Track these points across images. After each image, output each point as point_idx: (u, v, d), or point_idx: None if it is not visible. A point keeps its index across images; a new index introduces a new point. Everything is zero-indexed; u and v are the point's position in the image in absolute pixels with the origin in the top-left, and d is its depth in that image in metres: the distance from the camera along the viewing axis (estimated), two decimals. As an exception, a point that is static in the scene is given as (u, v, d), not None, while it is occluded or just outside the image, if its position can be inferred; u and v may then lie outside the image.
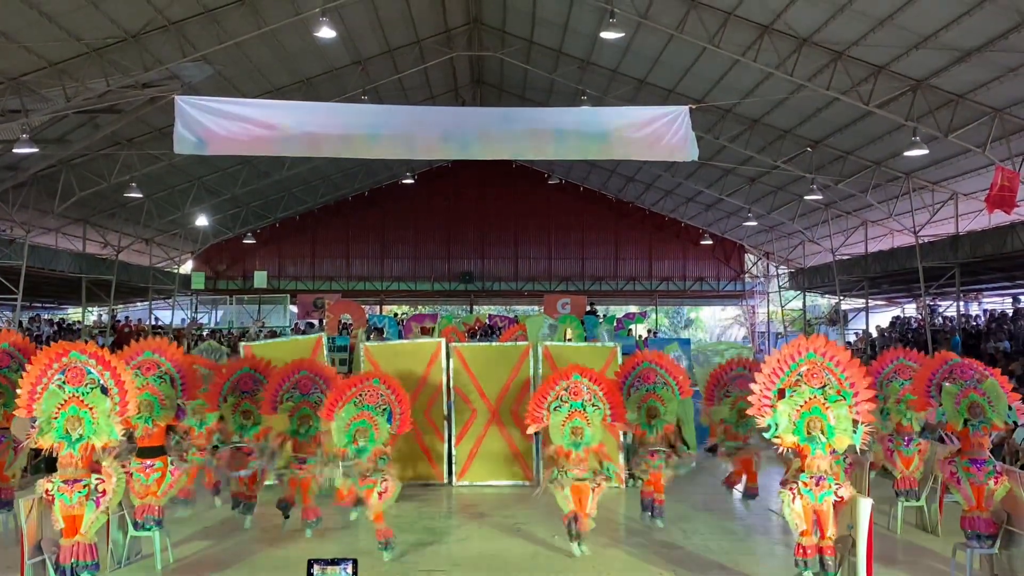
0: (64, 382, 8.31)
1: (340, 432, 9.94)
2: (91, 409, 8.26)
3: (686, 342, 21.62)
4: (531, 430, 10.83)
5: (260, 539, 10.84)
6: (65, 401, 8.25)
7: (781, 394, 8.19)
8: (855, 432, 8.16)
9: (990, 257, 22.25)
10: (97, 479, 8.23)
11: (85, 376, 8.37)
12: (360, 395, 10.14)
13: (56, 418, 8.20)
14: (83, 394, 8.30)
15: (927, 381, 10.06)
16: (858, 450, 8.53)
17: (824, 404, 8.11)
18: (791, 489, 8.14)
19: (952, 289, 25.48)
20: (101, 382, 8.40)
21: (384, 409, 10.27)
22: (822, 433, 8.06)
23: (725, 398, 12.25)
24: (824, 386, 8.17)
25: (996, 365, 19.99)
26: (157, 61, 18.86)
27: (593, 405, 10.26)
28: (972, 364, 9.79)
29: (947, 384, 9.71)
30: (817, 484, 8.04)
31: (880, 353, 26.25)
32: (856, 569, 8.02)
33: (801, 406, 8.11)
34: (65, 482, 8.10)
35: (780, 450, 8.32)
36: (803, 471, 8.16)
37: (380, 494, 9.90)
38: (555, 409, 10.22)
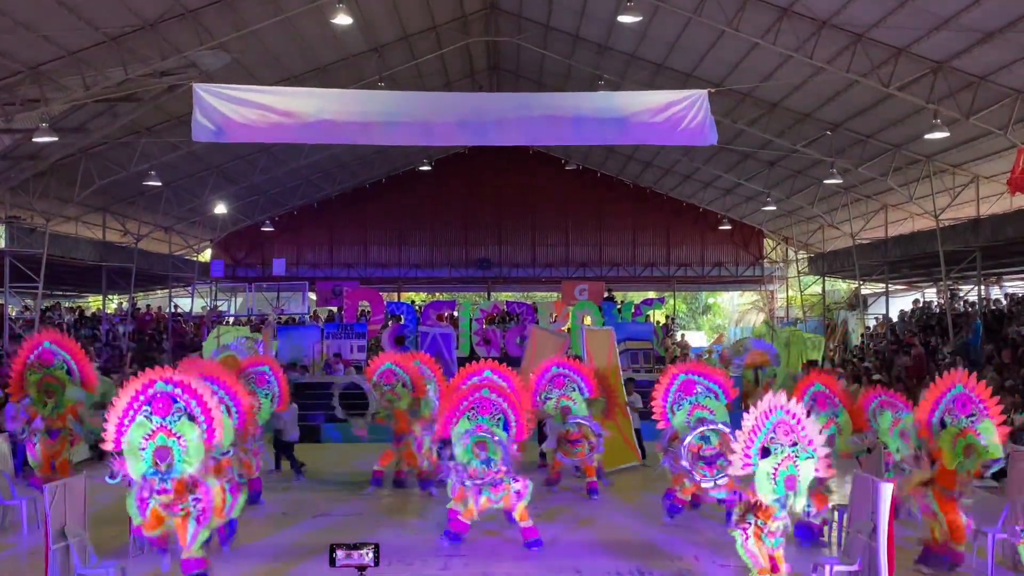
0: (151, 412, 8.26)
1: (459, 447, 10.21)
2: (179, 438, 8.21)
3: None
4: None
5: (279, 523, 10.91)
6: (153, 431, 8.19)
7: (764, 452, 8.11)
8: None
9: (1012, 240, 22.06)
10: (194, 499, 8.23)
11: (172, 405, 8.31)
12: (473, 408, 10.44)
13: (144, 448, 8.15)
14: (171, 423, 8.25)
15: (930, 414, 9.78)
16: (803, 510, 8.48)
17: (795, 461, 8.05)
18: (744, 529, 8.10)
19: (973, 273, 25.31)
20: (188, 409, 8.33)
21: (499, 419, 10.56)
22: (794, 494, 8.02)
23: (548, 400, 13.52)
24: (795, 444, 8.09)
25: (1018, 349, 19.95)
26: (175, 49, 18.90)
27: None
28: (970, 398, 9.62)
29: (948, 421, 9.56)
30: (771, 534, 8.05)
31: (901, 338, 26.16)
32: (877, 555, 8.00)
33: (778, 464, 8.03)
34: (164, 506, 8.14)
35: None
36: (758, 518, 8.10)
37: (518, 494, 10.22)
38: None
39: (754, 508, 8.09)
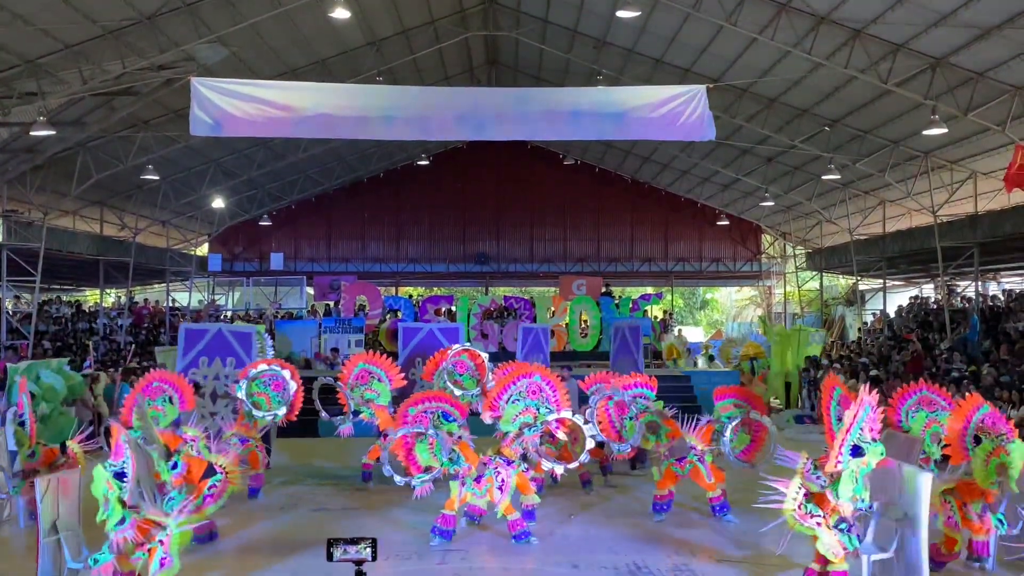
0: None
1: (425, 454, 10.28)
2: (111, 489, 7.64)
3: None
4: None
5: (276, 517, 10.91)
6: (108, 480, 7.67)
7: (855, 450, 7.76)
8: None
9: (1010, 236, 22.09)
10: (151, 548, 7.63)
11: (120, 458, 7.74)
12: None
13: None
14: (111, 473, 7.73)
15: (962, 432, 9.65)
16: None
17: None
18: (819, 524, 7.91)
19: (971, 269, 25.33)
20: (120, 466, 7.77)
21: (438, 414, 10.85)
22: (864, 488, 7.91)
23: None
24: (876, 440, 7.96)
25: (1015, 345, 19.96)
26: (173, 43, 18.87)
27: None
28: (1002, 417, 9.66)
29: (984, 439, 9.44)
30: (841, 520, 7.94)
31: (899, 334, 26.16)
32: (916, 546, 7.92)
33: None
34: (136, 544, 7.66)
35: None
36: (822, 510, 7.93)
37: (501, 489, 10.23)
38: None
39: (815, 501, 7.95)
